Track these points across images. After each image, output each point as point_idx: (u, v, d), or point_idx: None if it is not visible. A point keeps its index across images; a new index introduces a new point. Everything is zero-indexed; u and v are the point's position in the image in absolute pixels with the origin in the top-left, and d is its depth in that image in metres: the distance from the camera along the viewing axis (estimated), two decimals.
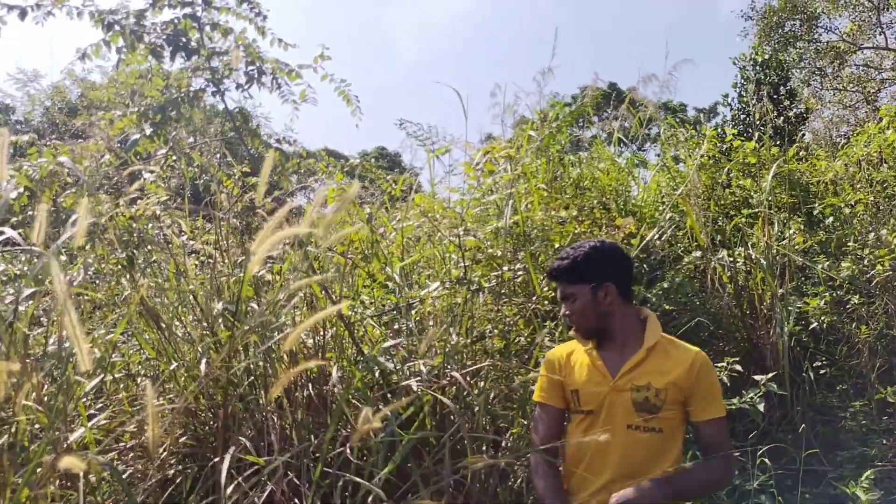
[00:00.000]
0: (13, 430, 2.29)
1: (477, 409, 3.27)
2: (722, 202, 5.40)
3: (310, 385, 3.42)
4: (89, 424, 2.68)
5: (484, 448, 3.23)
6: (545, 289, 3.90)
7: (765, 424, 4.03)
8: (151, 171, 3.26)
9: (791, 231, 4.94)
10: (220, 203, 3.70)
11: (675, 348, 2.44)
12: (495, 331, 3.71)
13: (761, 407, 3.40)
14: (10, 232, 2.20)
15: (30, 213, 2.83)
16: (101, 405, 3.15)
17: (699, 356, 2.39)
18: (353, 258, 4.03)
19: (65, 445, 2.40)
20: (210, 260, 3.90)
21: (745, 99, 14.42)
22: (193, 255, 3.99)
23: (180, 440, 3.14)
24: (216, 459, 3.03)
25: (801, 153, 6.09)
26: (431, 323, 3.78)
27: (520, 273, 3.90)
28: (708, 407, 2.32)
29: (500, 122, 5.06)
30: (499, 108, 5.01)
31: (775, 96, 13.51)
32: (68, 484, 2.68)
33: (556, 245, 3.94)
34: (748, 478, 3.46)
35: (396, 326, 3.58)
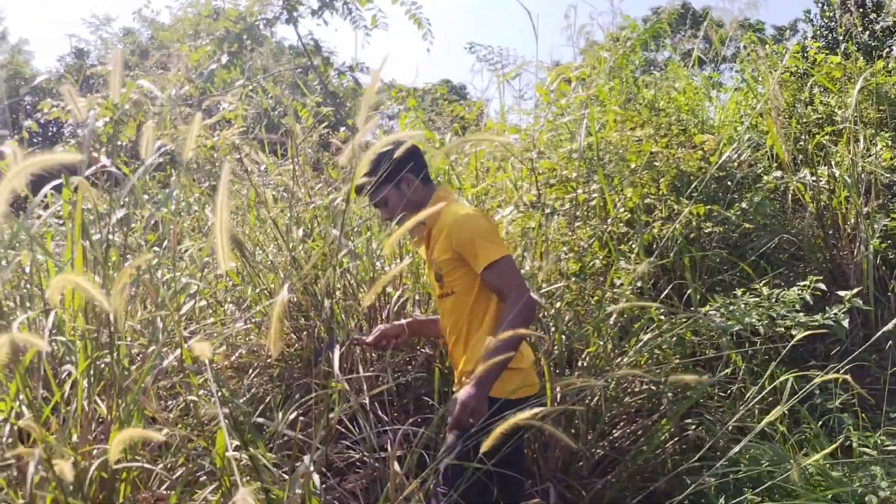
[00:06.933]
0: (115, 351, 2.42)
1: (553, 329, 3.31)
2: (804, 120, 5.19)
3: (387, 309, 3.52)
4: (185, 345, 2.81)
5: (557, 370, 3.28)
6: (620, 210, 3.86)
7: (848, 343, 3.95)
8: (230, 102, 3.32)
9: (878, 147, 4.73)
10: (296, 133, 3.75)
11: (446, 218, 2.51)
12: (570, 254, 3.71)
13: (845, 323, 3.33)
14: (104, 160, 2.28)
15: (118, 143, 2.93)
16: (192, 329, 3.30)
17: (452, 220, 2.45)
18: None
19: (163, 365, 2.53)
20: (286, 193, 3.98)
21: (827, 14, 13.68)
22: (270, 185, 4.08)
23: (268, 360, 3.28)
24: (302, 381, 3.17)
25: (890, 66, 5.77)
26: None
27: (594, 195, 3.87)
28: (478, 258, 2.37)
29: (571, 45, 4.95)
30: (571, 31, 4.89)
31: (861, 9, 12.78)
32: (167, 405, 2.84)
33: (633, 165, 3.88)
34: (830, 396, 3.41)
35: None
